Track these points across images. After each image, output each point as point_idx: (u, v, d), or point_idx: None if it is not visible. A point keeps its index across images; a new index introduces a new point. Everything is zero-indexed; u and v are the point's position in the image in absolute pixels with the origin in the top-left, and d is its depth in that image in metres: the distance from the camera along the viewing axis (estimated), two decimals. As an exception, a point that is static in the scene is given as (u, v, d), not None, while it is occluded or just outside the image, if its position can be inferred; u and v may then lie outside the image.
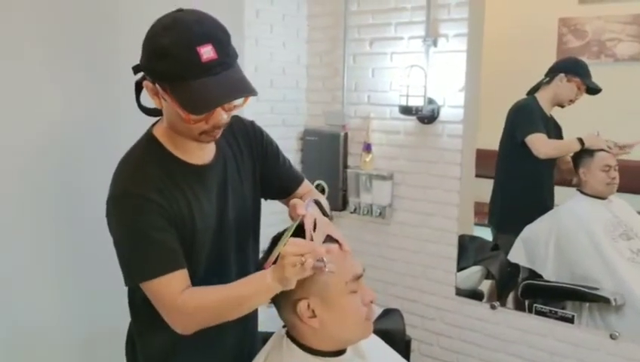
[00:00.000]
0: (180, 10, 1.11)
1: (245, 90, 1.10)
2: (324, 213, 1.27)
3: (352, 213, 2.56)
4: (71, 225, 1.73)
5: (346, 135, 2.54)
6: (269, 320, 1.39)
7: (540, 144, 2.19)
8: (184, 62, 1.04)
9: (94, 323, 1.77)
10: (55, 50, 1.70)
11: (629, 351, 1.95)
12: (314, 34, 2.61)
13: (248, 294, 1.12)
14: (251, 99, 2.52)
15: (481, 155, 2.36)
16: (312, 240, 1.11)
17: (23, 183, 1.66)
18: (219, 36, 1.08)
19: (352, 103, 2.53)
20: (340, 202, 2.57)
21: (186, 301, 1.12)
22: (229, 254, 1.29)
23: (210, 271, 1.25)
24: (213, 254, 1.26)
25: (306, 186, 1.46)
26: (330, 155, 2.55)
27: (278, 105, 2.52)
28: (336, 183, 2.55)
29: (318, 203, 1.28)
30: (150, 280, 1.13)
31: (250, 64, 2.33)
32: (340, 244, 1.18)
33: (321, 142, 2.58)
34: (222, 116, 1.12)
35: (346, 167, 2.56)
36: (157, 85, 1.10)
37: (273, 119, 2.49)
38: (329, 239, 1.18)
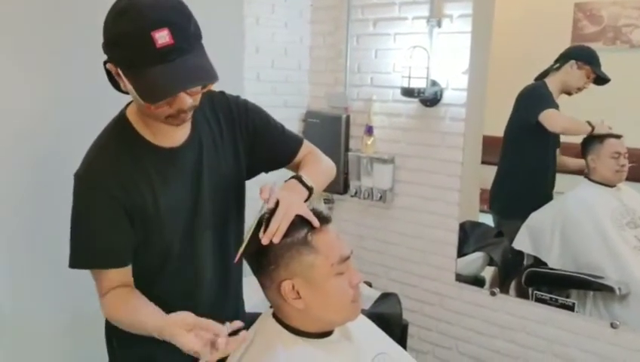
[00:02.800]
0: None
1: (202, 77, 1.06)
2: (306, 186, 1.24)
3: (352, 196, 2.53)
4: (55, 209, 1.69)
5: (348, 117, 2.51)
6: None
7: (555, 117, 2.16)
8: (138, 49, 1.00)
9: (80, 305, 1.75)
10: (28, 33, 1.64)
11: (629, 341, 1.92)
12: (317, 14, 2.57)
13: (146, 329, 1.11)
14: (252, 79, 2.49)
15: (487, 141, 2.32)
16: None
17: (3, 169, 1.63)
18: (176, 19, 1.03)
19: (354, 85, 2.49)
20: (341, 185, 2.54)
21: (105, 304, 1.19)
22: (205, 237, 1.27)
23: (185, 253, 1.23)
24: (188, 237, 1.24)
25: (306, 148, 1.40)
26: (332, 138, 2.52)
27: (279, 86, 2.49)
28: (338, 166, 2.49)
29: (298, 177, 1.25)
30: (83, 269, 1.19)
31: (250, 44, 2.31)
32: (311, 223, 1.14)
33: (323, 125, 2.55)
34: (186, 101, 1.09)
35: (347, 149, 2.53)
36: (118, 69, 1.07)
37: (275, 100, 2.46)
38: (300, 218, 1.14)
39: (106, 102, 1.21)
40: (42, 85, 1.68)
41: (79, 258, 1.18)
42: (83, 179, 1.15)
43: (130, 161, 1.16)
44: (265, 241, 1.08)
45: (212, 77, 1.07)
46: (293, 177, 1.27)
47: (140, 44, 1.00)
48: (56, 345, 1.78)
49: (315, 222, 1.13)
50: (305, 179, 1.25)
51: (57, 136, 1.70)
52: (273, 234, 1.08)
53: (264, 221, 1.11)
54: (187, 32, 1.04)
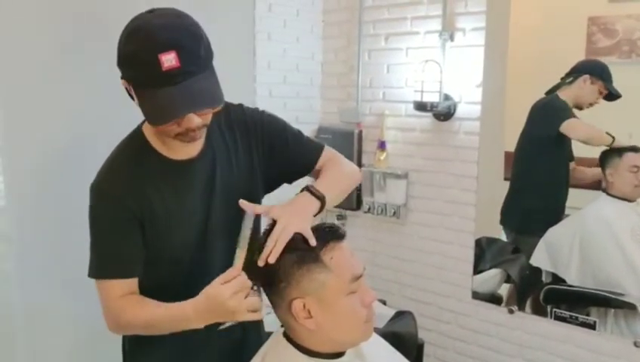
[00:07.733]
0: (150, 12, 1.08)
1: (205, 101, 1.07)
2: (317, 196, 1.21)
3: (365, 212, 2.50)
4: (73, 219, 1.70)
5: (360, 132, 2.50)
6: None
7: (578, 126, 2.11)
8: (145, 70, 1.03)
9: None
10: (69, 39, 1.68)
11: (653, 360, 1.86)
12: (329, 30, 2.57)
13: (170, 326, 1.14)
14: (264, 95, 2.49)
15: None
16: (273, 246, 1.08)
17: (35, 181, 1.65)
18: (185, 42, 1.04)
19: (367, 100, 2.48)
20: (354, 201, 2.52)
21: (120, 311, 1.17)
22: (216, 250, 1.26)
23: (197, 267, 1.22)
24: (199, 250, 1.23)
25: (327, 155, 1.36)
26: (344, 153, 2.42)
27: (291, 102, 2.49)
28: (350, 182, 2.50)
29: (308, 188, 1.22)
30: (97, 279, 1.19)
31: (262, 59, 2.31)
32: (323, 240, 1.11)
33: (335, 140, 2.53)
34: (194, 120, 1.09)
35: (360, 165, 2.51)
36: (130, 86, 1.10)
37: (287, 116, 2.38)
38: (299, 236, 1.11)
39: (130, 111, 1.22)
40: (69, 95, 1.71)
41: (92, 267, 1.20)
42: (96, 190, 1.18)
43: (141, 173, 1.18)
44: (261, 263, 1.09)
45: (215, 101, 1.08)
46: (303, 189, 1.24)
47: (147, 65, 1.02)
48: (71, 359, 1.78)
49: (312, 241, 1.10)
50: (314, 189, 1.22)
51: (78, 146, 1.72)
52: (268, 256, 1.08)
53: (262, 241, 1.10)
54: (195, 55, 1.05)
